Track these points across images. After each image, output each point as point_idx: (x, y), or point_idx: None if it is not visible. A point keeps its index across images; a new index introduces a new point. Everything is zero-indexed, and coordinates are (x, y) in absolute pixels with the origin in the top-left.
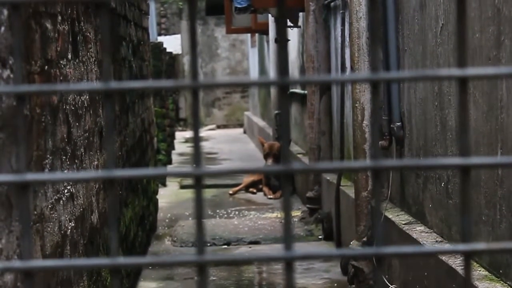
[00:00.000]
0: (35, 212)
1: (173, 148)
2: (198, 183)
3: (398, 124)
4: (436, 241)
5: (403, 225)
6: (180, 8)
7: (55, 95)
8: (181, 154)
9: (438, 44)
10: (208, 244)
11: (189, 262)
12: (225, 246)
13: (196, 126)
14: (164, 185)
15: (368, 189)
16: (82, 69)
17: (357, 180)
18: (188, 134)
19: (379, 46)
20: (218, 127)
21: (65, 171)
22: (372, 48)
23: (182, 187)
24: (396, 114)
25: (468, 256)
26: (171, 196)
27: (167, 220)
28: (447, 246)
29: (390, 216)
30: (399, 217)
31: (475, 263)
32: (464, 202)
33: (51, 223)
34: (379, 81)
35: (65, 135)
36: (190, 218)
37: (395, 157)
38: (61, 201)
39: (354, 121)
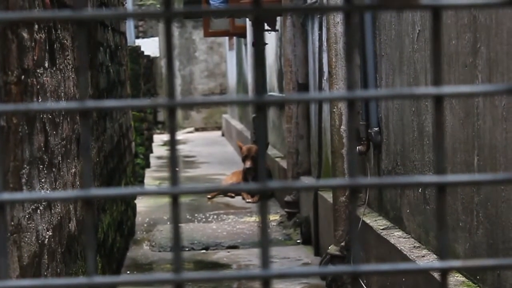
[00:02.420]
0: (12, 223)
1: (151, 152)
2: (174, 201)
3: (376, 129)
4: (414, 246)
5: (381, 230)
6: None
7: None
8: (159, 158)
9: (415, 50)
10: (186, 249)
11: (167, 281)
12: (204, 251)
13: (172, 144)
14: None
15: (346, 194)
16: (59, 77)
17: None
18: (166, 137)
19: (355, 65)
20: (196, 129)
21: (42, 180)
22: (348, 66)
23: None
24: (373, 119)
25: (445, 273)
26: (149, 200)
27: (145, 225)
28: (423, 263)
29: (368, 221)
30: (377, 222)
31: None
32: (440, 219)
33: (29, 233)
34: (355, 99)
35: (42, 144)
36: (168, 223)
37: (373, 163)
38: (39, 210)
39: (332, 126)
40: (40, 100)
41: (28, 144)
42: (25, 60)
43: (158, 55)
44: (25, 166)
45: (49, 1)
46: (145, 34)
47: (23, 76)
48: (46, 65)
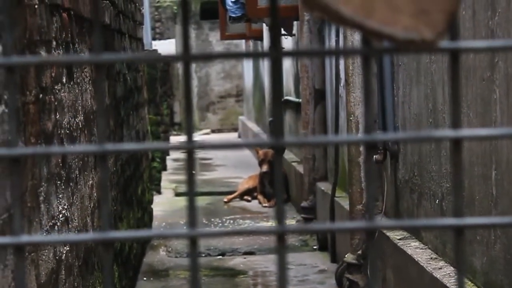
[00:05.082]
0: None
1: (168, 154)
2: (193, 244)
3: None
4: (431, 257)
5: (398, 240)
6: (174, 12)
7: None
8: (175, 160)
9: (433, 61)
10: (203, 255)
11: None
12: (220, 257)
13: (191, 190)
14: (159, 192)
15: (363, 202)
16: (77, 91)
17: (351, 193)
18: (183, 138)
19: (373, 107)
20: (213, 131)
21: (60, 196)
22: (366, 108)
23: (177, 194)
24: (390, 129)
25: None
26: (165, 204)
27: (161, 229)
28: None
29: (384, 231)
30: (393, 232)
31: (470, 283)
32: (459, 261)
33: (46, 251)
34: (375, 142)
35: (59, 160)
36: (185, 227)
37: (390, 172)
38: (56, 227)
39: (348, 134)
40: (58, 116)
41: (45, 162)
42: (43, 78)
43: None
44: (43, 183)
45: (67, 16)
46: (161, 36)
47: (41, 95)
48: (64, 80)
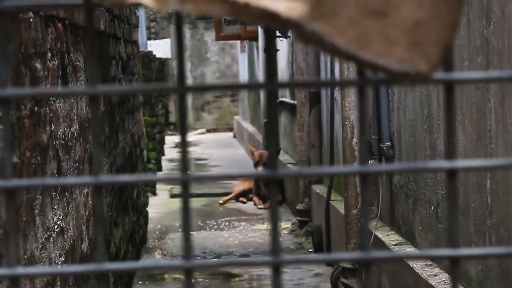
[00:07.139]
0: (25, 256)
1: (163, 154)
2: (188, 275)
3: (388, 144)
4: (426, 264)
5: (393, 246)
6: (169, 12)
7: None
8: (170, 160)
9: None
10: (198, 258)
11: None
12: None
13: (186, 224)
14: (155, 194)
15: (358, 206)
16: (72, 100)
17: (347, 198)
18: (178, 138)
19: (368, 137)
20: (208, 131)
21: (55, 207)
22: (361, 138)
23: (173, 196)
24: (385, 134)
25: None
26: (161, 206)
27: (157, 232)
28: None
29: (380, 236)
30: (389, 237)
31: None
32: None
33: (41, 263)
34: (368, 174)
35: (55, 171)
36: (180, 230)
37: (385, 177)
38: (51, 238)
39: (343, 139)
40: (53, 127)
41: (41, 174)
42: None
43: (169, 56)
44: (38, 196)
45: (62, 26)
46: (157, 36)
47: (36, 108)
48: None
